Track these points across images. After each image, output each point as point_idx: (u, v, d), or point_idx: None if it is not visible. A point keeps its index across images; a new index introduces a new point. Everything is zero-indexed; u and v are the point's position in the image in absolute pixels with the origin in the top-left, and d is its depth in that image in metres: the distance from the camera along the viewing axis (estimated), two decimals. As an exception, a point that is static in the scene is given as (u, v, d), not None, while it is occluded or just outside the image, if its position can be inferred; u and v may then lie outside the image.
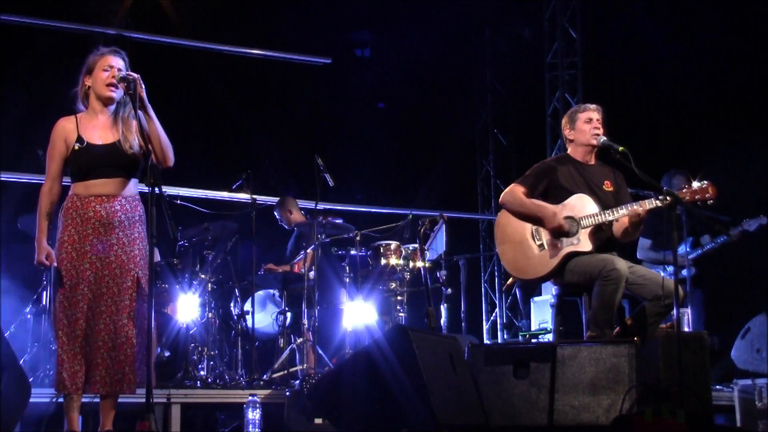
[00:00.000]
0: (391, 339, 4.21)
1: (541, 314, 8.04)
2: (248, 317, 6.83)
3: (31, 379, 4.46)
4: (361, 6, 8.79)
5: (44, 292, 6.25)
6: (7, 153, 7.02)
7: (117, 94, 4.14)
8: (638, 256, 6.79)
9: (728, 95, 7.55)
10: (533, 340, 7.38)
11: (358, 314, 6.62)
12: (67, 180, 4.19)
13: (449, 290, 6.72)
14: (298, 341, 6.65)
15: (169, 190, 7.27)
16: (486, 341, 9.48)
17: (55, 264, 4.03)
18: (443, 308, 6.72)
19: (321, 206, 6.61)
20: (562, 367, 4.41)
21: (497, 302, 9.97)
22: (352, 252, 6.58)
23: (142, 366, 4.04)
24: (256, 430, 5.04)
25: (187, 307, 6.62)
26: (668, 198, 4.37)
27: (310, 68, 9.05)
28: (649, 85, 8.34)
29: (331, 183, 6.43)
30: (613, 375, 4.31)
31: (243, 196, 7.11)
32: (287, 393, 5.47)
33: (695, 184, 4.62)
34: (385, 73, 9.28)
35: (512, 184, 5.04)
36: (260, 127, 8.45)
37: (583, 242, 4.81)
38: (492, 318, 10.02)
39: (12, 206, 6.74)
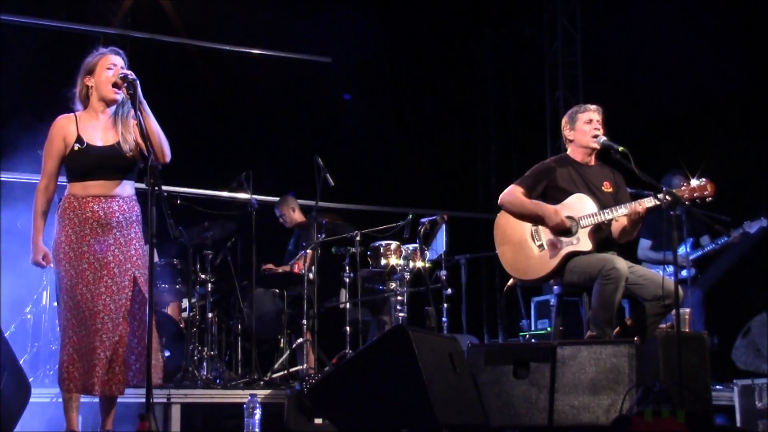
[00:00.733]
0: (391, 339, 4.21)
1: (541, 314, 8.04)
2: (248, 317, 6.83)
3: (31, 379, 4.46)
4: (361, 6, 8.79)
5: (44, 292, 6.25)
6: (6, 153, 7.02)
7: (120, 95, 4.13)
8: (638, 257, 6.79)
9: (729, 95, 7.54)
10: (533, 340, 7.37)
11: (358, 314, 6.62)
12: (62, 180, 4.19)
13: (449, 290, 6.72)
14: (298, 341, 6.65)
15: (169, 190, 7.26)
16: (486, 341, 9.47)
17: (52, 265, 4.03)
18: (443, 308, 6.72)
19: (321, 206, 6.62)
20: (562, 367, 4.41)
21: (497, 302, 9.97)
22: (352, 252, 6.57)
23: (138, 366, 4.03)
24: (256, 430, 5.04)
25: (187, 307, 6.62)
26: (668, 197, 4.37)
27: (310, 67, 9.05)
28: (649, 85, 8.33)
29: (331, 183, 6.43)
30: (613, 375, 4.31)
31: (243, 196, 7.11)
32: (287, 393, 5.47)
33: (694, 182, 4.63)
34: (386, 73, 9.28)
35: (511, 185, 5.04)
36: (260, 127, 8.44)
37: (583, 242, 4.81)
38: (492, 318, 10.02)
39: (12, 206, 6.73)
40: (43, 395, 4.98)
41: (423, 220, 6.55)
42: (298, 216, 7.45)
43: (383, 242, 6.55)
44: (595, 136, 4.96)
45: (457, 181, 9.95)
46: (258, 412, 5.07)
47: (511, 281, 5.16)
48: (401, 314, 6.48)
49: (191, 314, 6.72)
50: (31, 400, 4.19)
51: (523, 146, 10.06)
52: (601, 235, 4.87)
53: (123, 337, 4.02)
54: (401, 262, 6.49)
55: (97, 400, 4.10)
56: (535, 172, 5.05)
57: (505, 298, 9.85)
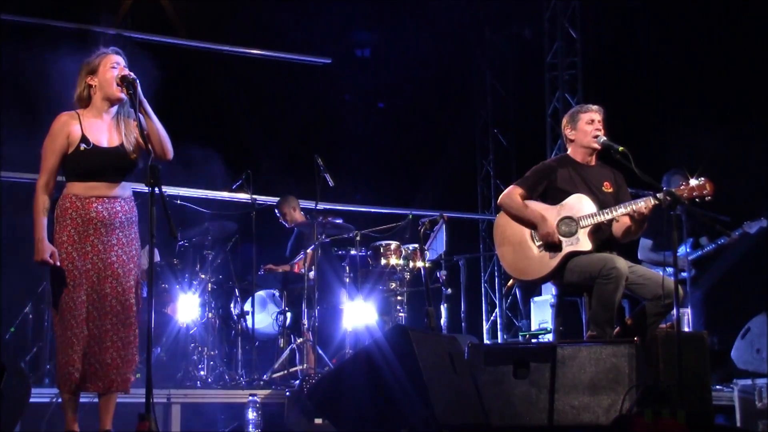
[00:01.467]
0: (391, 339, 4.21)
1: (541, 314, 8.04)
2: (248, 317, 6.83)
3: (31, 379, 4.46)
4: (361, 6, 8.79)
5: (44, 292, 6.25)
6: (6, 153, 7.02)
7: (124, 94, 4.12)
8: (639, 257, 6.79)
9: (729, 96, 7.54)
10: (533, 340, 7.38)
11: (358, 314, 6.62)
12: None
13: (449, 290, 6.72)
14: (298, 341, 6.65)
15: (169, 190, 7.26)
16: (486, 341, 9.48)
17: (58, 263, 4.01)
18: (443, 308, 6.72)
19: (321, 206, 6.62)
20: (562, 367, 4.41)
21: (497, 302, 9.97)
22: (352, 252, 6.58)
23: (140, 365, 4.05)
24: (256, 430, 5.04)
25: (187, 307, 6.62)
26: (668, 197, 4.37)
27: (310, 68, 9.05)
28: (649, 85, 8.33)
29: (331, 183, 6.43)
30: (613, 375, 4.30)
31: (243, 196, 7.12)
32: (287, 393, 5.47)
33: (693, 182, 4.63)
34: (385, 73, 9.28)
35: (511, 186, 5.04)
36: (260, 127, 8.44)
37: (583, 242, 4.81)
38: (492, 318, 10.02)
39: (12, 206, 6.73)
40: (43, 395, 4.98)
41: (423, 220, 6.55)
42: (298, 215, 7.45)
43: (383, 242, 6.55)
44: (596, 137, 4.97)
45: (457, 181, 9.95)
46: (258, 412, 5.07)
47: (511, 281, 5.17)
48: (401, 314, 6.48)
49: (191, 314, 6.72)
50: (31, 400, 4.19)
51: (523, 146, 10.06)
52: (601, 235, 4.87)
53: (130, 336, 4.03)
54: (401, 262, 6.49)
55: (96, 400, 4.09)
56: (536, 173, 5.05)
57: (505, 298, 9.86)
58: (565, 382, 4.38)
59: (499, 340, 9.51)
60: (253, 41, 8.82)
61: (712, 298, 6.96)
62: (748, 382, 5.76)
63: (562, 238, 4.84)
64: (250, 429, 5.12)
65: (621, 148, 4.74)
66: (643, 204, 4.68)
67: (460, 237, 8.48)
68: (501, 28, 10.23)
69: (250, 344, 6.74)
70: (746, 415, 5.67)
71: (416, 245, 6.50)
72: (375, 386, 4.15)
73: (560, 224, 4.85)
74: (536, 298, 8.20)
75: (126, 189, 4.16)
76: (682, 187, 4.63)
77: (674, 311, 4.30)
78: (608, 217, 4.78)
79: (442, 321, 6.68)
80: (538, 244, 4.92)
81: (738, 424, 5.64)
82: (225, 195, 7.95)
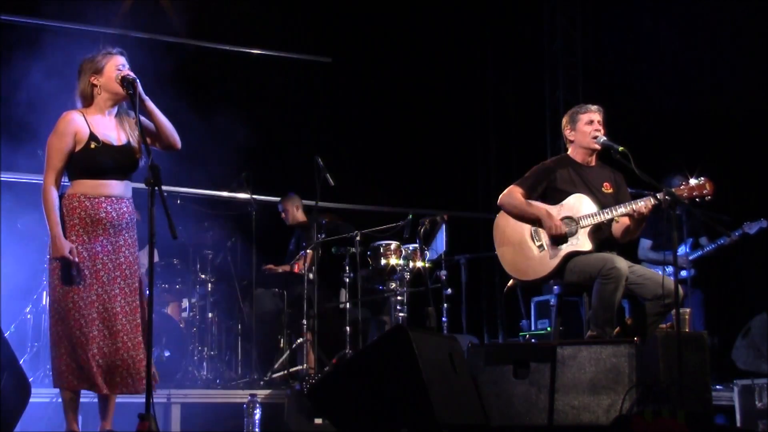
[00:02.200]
0: (391, 339, 4.21)
1: (541, 314, 8.04)
2: (248, 317, 6.83)
3: (31, 379, 4.45)
4: (361, 5, 8.78)
5: (44, 292, 6.24)
6: (6, 153, 7.02)
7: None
8: (639, 257, 6.79)
9: (729, 95, 7.54)
10: (533, 340, 7.37)
11: (358, 314, 6.62)
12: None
13: (449, 290, 6.72)
14: (298, 341, 6.65)
15: (169, 190, 7.26)
16: (486, 341, 9.47)
17: (77, 259, 3.99)
18: (443, 308, 6.72)
19: (321, 206, 6.62)
20: (562, 367, 4.41)
21: (497, 302, 9.96)
22: (352, 252, 6.57)
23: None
24: (256, 430, 5.04)
25: (188, 307, 6.62)
26: (667, 197, 4.37)
27: (310, 68, 9.05)
28: (649, 85, 8.33)
29: (331, 183, 6.43)
30: (613, 375, 4.30)
31: (243, 196, 7.12)
32: (287, 393, 5.47)
33: (692, 181, 4.63)
34: (386, 72, 9.27)
35: (511, 186, 5.04)
36: (260, 127, 8.43)
37: (583, 242, 4.81)
38: (492, 318, 10.01)
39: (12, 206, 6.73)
40: (43, 395, 4.98)
41: (423, 220, 6.55)
42: (300, 215, 7.45)
43: (383, 242, 6.55)
44: (595, 137, 4.96)
45: (457, 181, 9.95)
46: (258, 412, 5.07)
47: (511, 282, 5.16)
48: (401, 314, 6.48)
49: (191, 314, 6.72)
50: (31, 400, 4.19)
51: (523, 146, 10.05)
52: (601, 235, 4.87)
53: (138, 337, 4.03)
54: (401, 262, 6.49)
55: (96, 400, 4.10)
56: (535, 173, 5.05)
57: (505, 298, 9.86)
58: (565, 382, 4.38)
59: (499, 340, 9.50)
60: (253, 41, 8.82)
61: (712, 298, 6.97)
62: (748, 382, 5.76)
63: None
64: (250, 429, 5.11)
65: (621, 148, 4.74)
66: (643, 204, 4.68)
67: (460, 237, 8.46)
68: (501, 28, 10.22)
69: (250, 344, 6.74)
70: (746, 415, 5.67)
71: (416, 245, 6.50)
72: (375, 386, 4.15)
73: (560, 224, 4.86)
74: (536, 298, 8.20)
75: (129, 189, 4.17)
76: (682, 187, 4.64)
77: (674, 311, 4.30)
78: (608, 216, 4.78)
79: (442, 321, 6.67)
80: (538, 244, 4.92)
81: (738, 424, 5.64)
82: (225, 195, 7.94)
